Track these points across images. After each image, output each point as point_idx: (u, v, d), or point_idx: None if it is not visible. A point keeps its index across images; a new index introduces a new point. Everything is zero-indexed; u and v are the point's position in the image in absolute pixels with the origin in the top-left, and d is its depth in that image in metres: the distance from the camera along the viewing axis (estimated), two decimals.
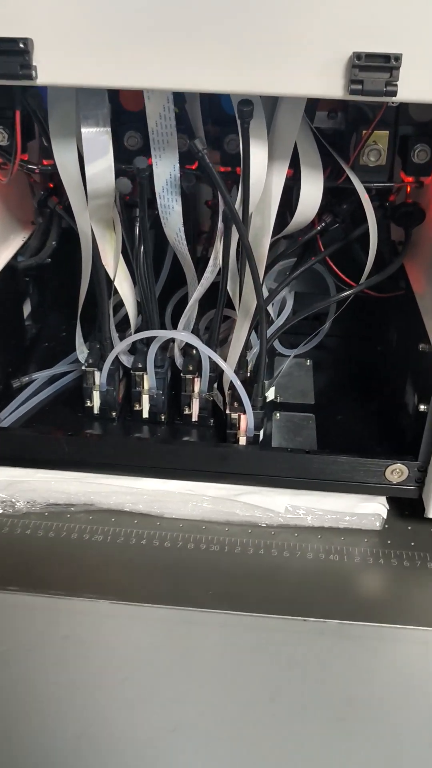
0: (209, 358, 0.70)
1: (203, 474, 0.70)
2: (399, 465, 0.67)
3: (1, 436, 0.71)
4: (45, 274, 0.88)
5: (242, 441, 0.71)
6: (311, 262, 0.71)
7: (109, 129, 0.60)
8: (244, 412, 0.69)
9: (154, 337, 0.71)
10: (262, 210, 0.64)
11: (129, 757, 0.51)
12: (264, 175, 0.61)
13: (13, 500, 0.70)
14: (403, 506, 0.72)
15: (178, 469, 0.70)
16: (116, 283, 0.71)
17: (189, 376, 0.73)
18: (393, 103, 0.55)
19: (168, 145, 0.62)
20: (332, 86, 0.50)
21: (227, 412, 0.70)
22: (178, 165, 0.63)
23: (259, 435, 0.71)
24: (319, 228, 0.70)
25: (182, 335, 0.70)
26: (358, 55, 0.49)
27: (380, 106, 0.62)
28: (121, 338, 0.74)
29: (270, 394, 0.78)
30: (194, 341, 0.70)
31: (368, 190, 0.65)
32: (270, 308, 0.79)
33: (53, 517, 0.70)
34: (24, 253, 0.80)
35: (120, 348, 0.72)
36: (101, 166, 0.61)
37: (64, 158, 0.63)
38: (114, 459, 0.70)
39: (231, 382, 0.69)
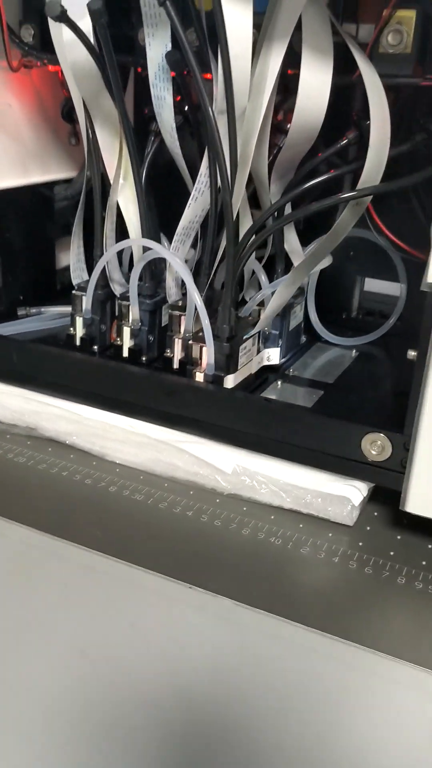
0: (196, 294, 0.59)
1: (147, 411, 0.58)
2: (380, 436, 0.51)
3: None
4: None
5: (198, 378, 0.58)
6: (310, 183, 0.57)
7: None
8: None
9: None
10: (253, 100, 0.54)
11: None
12: (249, 46, 0.52)
13: None
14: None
15: (120, 399, 0.59)
16: (120, 203, 0.65)
17: (175, 312, 0.63)
18: None
19: (160, 22, 0.56)
20: None
21: (189, 342, 0.59)
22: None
23: (221, 377, 0.58)
24: (341, 144, 0.57)
25: (148, 243, 0.60)
26: None
27: None
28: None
29: (273, 357, 0.65)
30: (167, 255, 0.60)
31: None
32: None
33: None
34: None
35: (100, 265, 0.64)
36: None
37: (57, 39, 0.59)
38: (58, 378, 0.61)
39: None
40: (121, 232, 0.66)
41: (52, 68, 0.69)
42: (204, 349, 0.57)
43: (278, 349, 0.65)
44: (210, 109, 0.53)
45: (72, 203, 0.79)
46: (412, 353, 0.48)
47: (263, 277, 0.64)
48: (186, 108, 0.62)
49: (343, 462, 0.53)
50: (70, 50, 0.57)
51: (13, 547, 0.50)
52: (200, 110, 0.55)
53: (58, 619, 0.45)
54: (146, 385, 0.58)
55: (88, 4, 0.50)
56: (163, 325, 0.67)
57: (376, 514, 0.55)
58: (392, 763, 0.35)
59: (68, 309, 0.69)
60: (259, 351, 0.64)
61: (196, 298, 0.56)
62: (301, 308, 0.70)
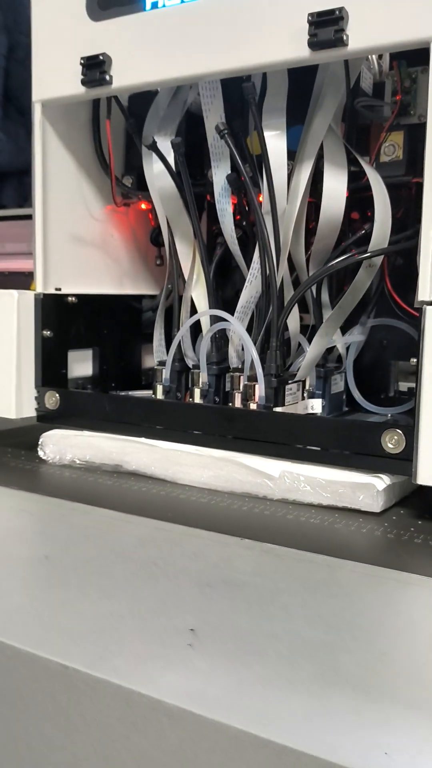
0: (252, 356, 0.75)
1: (211, 439, 0.72)
2: (396, 431, 0.63)
3: (63, 395, 0.82)
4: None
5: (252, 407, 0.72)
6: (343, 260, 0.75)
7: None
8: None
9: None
10: (291, 202, 0.74)
11: None
12: (284, 160, 0.72)
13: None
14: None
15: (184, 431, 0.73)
16: (194, 297, 0.84)
17: (236, 374, 0.79)
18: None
19: (223, 156, 0.78)
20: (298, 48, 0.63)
21: (245, 383, 0.73)
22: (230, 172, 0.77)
23: (270, 408, 0.72)
24: (359, 234, 0.75)
25: (218, 312, 0.77)
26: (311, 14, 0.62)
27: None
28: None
29: (317, 407, 0.79)
30: (231, 320, 0.76)
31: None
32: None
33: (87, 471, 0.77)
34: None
35: (178, 338, 0.81)
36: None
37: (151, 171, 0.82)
38: (138, 419, 0.76)
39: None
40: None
41: (144, 207, 0.93)
42: (257, 386, 0.72)
43: (320, 400, 0.79)
44: (259, 210, 0.73)
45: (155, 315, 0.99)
46: (413, 360, 0.61)
47: (307, 346, 0.80)
48: (243, 222, 0.82)
49: (367, 459, 0.64)
50: (157, 179, 0.79)
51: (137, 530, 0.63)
52: (251, 217, 0.75)
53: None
54: (211, 414, 0.73)
55: (171, 141, 0.73)
56: (226, 390, 0.82)
57: (402, 511, 0.65)
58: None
59: (150, 392, 0.86)
60: (303, 398, 0.78)
61: (250, 348, 0.72)
62: (341, 378, 0.85)
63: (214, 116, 0.76)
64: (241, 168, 0.72)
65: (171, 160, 0.78)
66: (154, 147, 0.71)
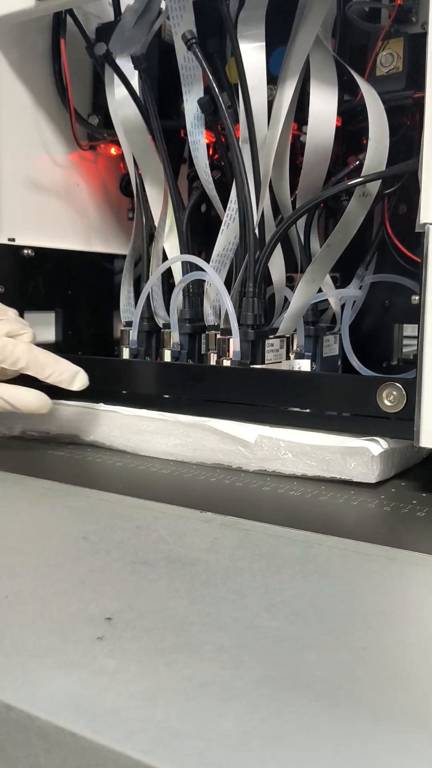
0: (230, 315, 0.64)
1: (178, 402, 0.61)
2: (395, 385, 0.51)
3: None
4: None
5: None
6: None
7: None
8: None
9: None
10: (273, 127, 0.63)
11: None
12: (264, 78, 0.61)
13: None
14: None
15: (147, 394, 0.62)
16: (167, 248, 0.73)
17: (211, 332, 0.68)
18: None
19: (195, 79, 0.67)
20: None
21: (218, 337, 0.63)
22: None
23: (247, 365, 0.61)
24: (353, 165, 0.64)
25: (191, 258, 0.67)
26: None
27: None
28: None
29: (304, 368, 0.68)
30: (206, 268, 0.65)
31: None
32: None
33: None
34: None
35: (146, 291, 0.71)
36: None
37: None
38: (95, 383, 0.65)
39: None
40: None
41: (114, 153, 0.82)
42: (231, 340, 0.61)
43: (309, 361, 0.68)
44: (233, 134, 0.62)
45: None
46: (415, 298, 0.50)
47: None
48: (221, 163, 0.71)
49: (361, 420, 0.53)
50: (120, 108, 0.69)
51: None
52: (228, 149, 0.64)
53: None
54: (176, 373, 0.62)
55: (131, 54, 0.62)
56: (201, 353, 0.71)
57: (404, 483, 0.54)
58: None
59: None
60: (288, 358, 0.67)
61: (219, 287, 0.61)
62: (335, 341, 0.74)
63: (183, 30, 0.66)
64: (212, 83, 0.61)
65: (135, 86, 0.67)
66: (108, 58, 0.61)
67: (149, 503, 0.48)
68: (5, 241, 0.73)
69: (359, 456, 0.52)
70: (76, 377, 0.58)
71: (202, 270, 0.67)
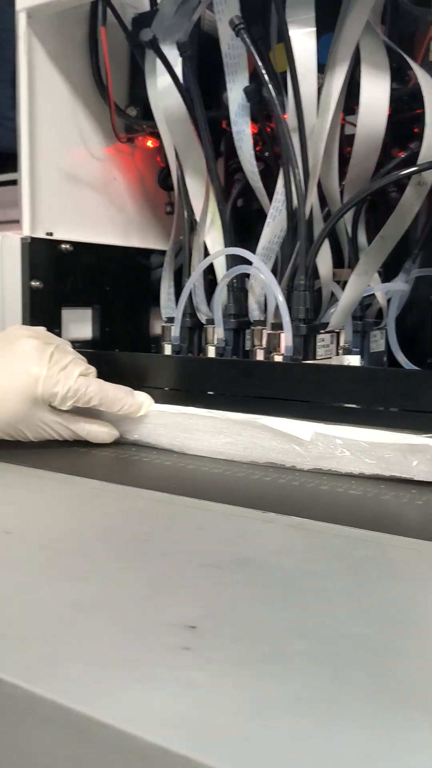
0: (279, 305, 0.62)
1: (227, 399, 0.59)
2: None
3: None
4: None
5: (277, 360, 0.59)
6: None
7: None
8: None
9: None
10: (321, 115, 0.61)
11: None
12: (314, 64, 0.60)
13: None
14: None
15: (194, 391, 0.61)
16: (208, 243, 0.71)
17: (257, 327, 0.66)
18: None
19: (239, 67, 0.65)
20: None
21: (269, 332, 0.61)
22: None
23: (299, 360, 0.59)
24: (405, 155, 0.62)
25: (238, 251, 0.65)
26: None
27: None
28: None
29: (354, 363, 0.66)
30: (254, 259, 0.63)
31: None
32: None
33: None
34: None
35: (188, 287, 0.69)
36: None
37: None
38: (140, 380, 0.64)
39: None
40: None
41: (151, 145, 0.80)
42: (282, 335, 0.59)
43: (358, 357, 0.66)
44: (283, 122, 0.60)
45: None
46: None
47: (340, 292, 0.67)
48: (264, 153, 0.70)
49: (421, 417, 0.51)
50: (163, 98, 0.67)
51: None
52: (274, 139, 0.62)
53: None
54: (226, 369, 0.60)
55: (177, 41, 0.60)
56: (246, 349, 0.69)
57: None
58: None
59: None
60: (338, 354, 0.65)
61: (269, 280, 0.60)
62: (381, 336, 0.72)
63: (228, 18, 0.64)
64: (261, 69, 0.59)
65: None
66: (154, 44, 0.59)
67: (206, 503, 0.46)
68: (43, 236, 0.72)
69: (422, 453, 0.50)
70: (142, 407, 0.60)
71: (247, 264, 0.65)
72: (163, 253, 0.87)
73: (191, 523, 0.43)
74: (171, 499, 0.48)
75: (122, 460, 0.58)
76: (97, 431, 0.60)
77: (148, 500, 0.48)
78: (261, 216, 0.74)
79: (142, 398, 0.60)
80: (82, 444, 0.63)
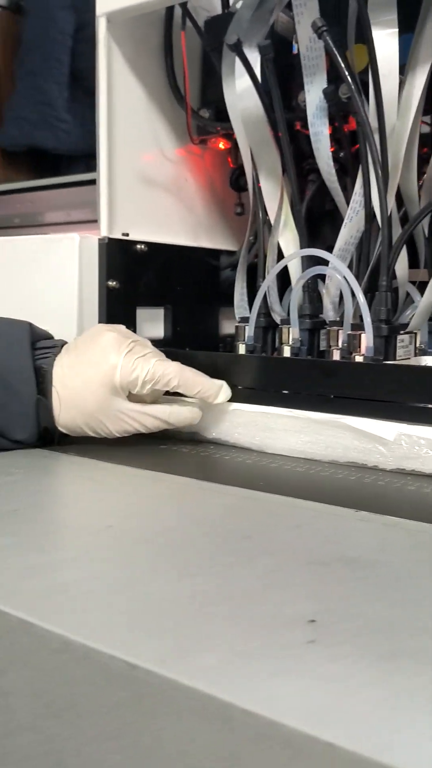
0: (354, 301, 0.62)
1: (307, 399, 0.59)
2: None
3: None
4: None
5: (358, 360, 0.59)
6: None
7: None
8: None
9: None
10: (402, 117, 0.61)
11: None
12: (396, 64, 0.59)
13: None
14: None
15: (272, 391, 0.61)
16: (282, 244, 0.71)
17: (333, 328, 0.66)
18: None
19: (318, 69, 0.65)
20: None
21: (348, 332, 0.61)
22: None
23: (380, 361, 0.59)
24: None
25: (316, 251, 0.65)
26: None
27: None
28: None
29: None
30: (332, 258, 0.64)
31: None
32: None
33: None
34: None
35: (263, 288, 0.69)
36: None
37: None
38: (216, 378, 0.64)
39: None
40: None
41: (222, 147, 0.81)
42: (363, 336, 0.60)
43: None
44: (366, 121, 0.61)
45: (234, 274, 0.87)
46: None
47: (417, 296, 0.67)
48: (339, 154, 0.70)
49: None
50: (241, 99, 0.68)
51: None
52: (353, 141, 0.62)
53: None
54: (306, 369, 0.60)
55: (258, 44, 0.61)
56: (321, 349, 0.70)
57: None
58: None
59: None
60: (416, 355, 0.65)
61: (351, 281, 0.60)
62: None
63: (307, 20, 0.64)
64: (343, 70, 0.59)
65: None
66: (238, 48, 0.60)
67: (298, 501, 0.47)
68: (119, 236, 0.73)
69: None
70: (220, 391, 0.61)
71: (323, 264, 0.65)
72: (230, 253, 0.88)
73: (289, 520, 0.43)
74: (261, 496, 0.48)
75: (203, 458, 0.59)
76: (179, 411, 0.60)
77: (238, 497, 0.48)
78: (331, 217, 0.74)
79: (220, 383, 0.61)
80: (162, 440, 0.64)
